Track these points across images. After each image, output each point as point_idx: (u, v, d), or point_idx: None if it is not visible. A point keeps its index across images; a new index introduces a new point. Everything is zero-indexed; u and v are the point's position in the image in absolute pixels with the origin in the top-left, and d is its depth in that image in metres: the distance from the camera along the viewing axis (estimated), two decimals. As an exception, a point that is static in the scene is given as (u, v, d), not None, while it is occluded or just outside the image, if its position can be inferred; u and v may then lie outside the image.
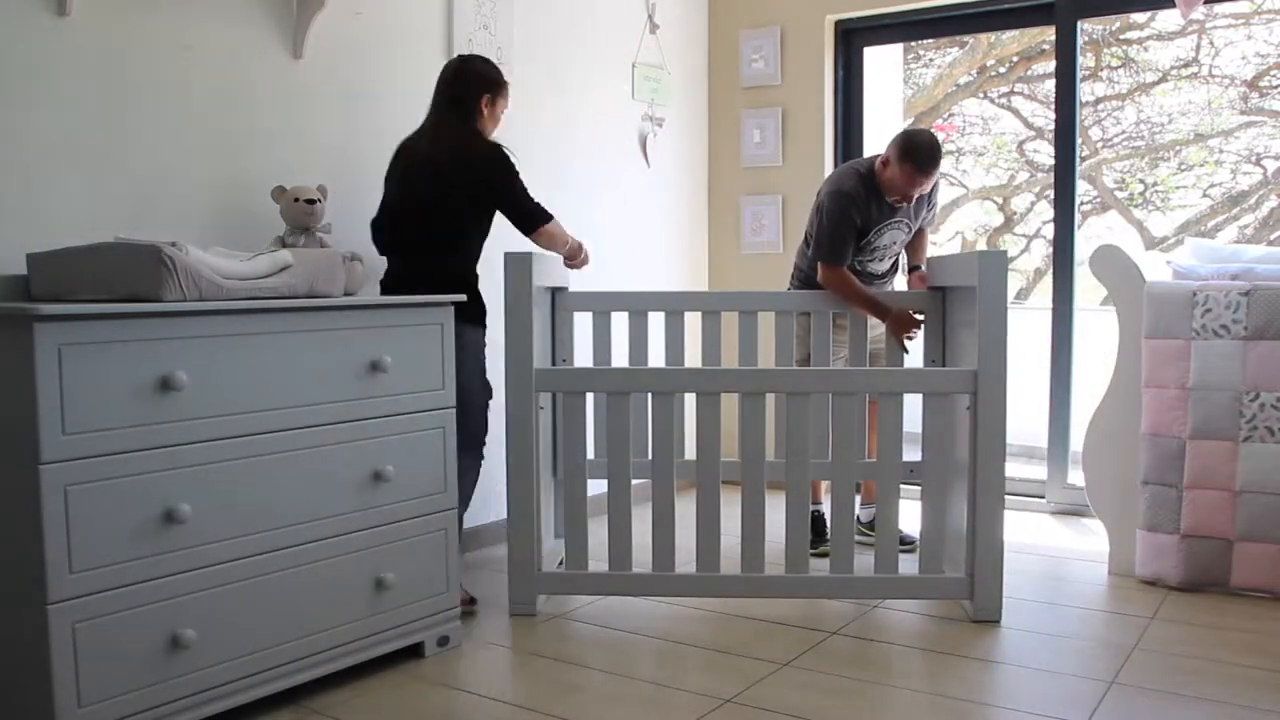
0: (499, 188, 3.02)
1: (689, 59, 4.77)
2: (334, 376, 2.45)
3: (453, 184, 2.98)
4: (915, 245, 3.80)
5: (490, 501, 3.74)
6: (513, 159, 3.02)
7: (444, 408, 2.72)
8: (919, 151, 3.35)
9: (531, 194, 3.07)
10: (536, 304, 3.10)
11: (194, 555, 2.18)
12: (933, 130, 3.45)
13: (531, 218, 3.06)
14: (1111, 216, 8.90)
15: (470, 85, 3.05)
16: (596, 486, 3.48)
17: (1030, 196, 9.23)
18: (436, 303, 2.71)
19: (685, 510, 3.11)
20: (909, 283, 3.80)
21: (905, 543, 3.49)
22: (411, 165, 3.03)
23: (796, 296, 3.74)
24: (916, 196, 3.49)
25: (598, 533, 3.33)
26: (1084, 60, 7.77)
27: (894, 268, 3.81)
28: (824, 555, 3.47)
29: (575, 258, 3.29)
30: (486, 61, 3.15)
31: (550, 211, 3.10)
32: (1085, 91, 8.16)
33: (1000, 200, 9.37)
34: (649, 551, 3.05)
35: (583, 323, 3.84)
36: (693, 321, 4.05)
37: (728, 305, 3.87)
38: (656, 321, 3.80)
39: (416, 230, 2.99)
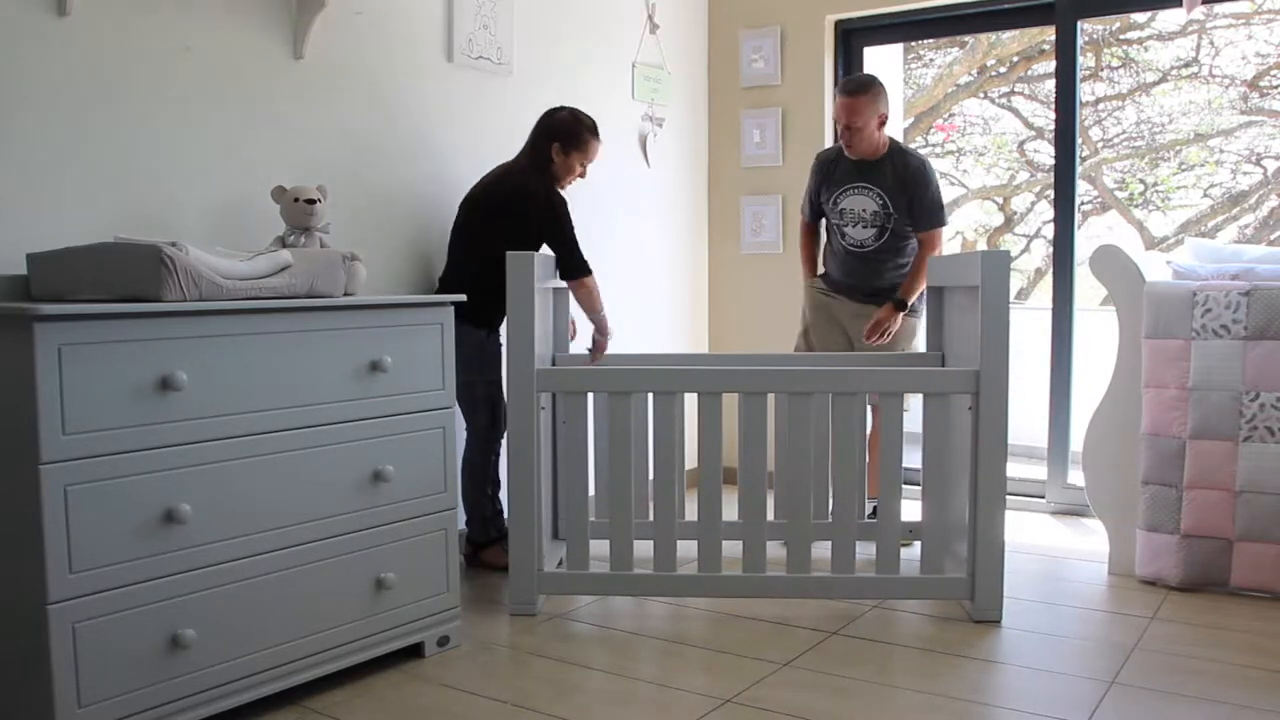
0: (548, 233, 3.32)
1: (689, 59, 4.77)
2: (334, 376, 2.45)
3: (502, 222, 3.29)
4: (912, 265, 3.77)
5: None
6: (563, 207, 3.32)
7: (444, 408, 2.72)
8: (842, 82, 3.72)
9: (579, 245, 3.34)
10: (538, 304, 3.10)
11: (194, 555, 2.18)
12: (871, 75, 3.78)
13: (575, 268, 3.33)
14: (1111, 216, 8.89)
15: (545, 132, 3.40)
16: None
17: (1030, 196, 9.23)
18: (436, 303, 2.71)
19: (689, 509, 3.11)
20: (881, 312, 3.71)
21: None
22: (477, 194, 3.39)
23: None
24: (849, 129, 3.65)
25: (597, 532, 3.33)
26: (1084, 60, 7.77)
27: (882, 245, 3.74)
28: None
29: (603, 334, 3.47)
30: (576, 115, 3.42)
31: (589, 272, 3.35)
32: (1085, 91, 8.16)
33: (1000, 200, 9.37)
34: (649, 551, 3.05)
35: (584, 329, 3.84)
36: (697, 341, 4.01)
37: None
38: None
39: (465, 249, 3.36)
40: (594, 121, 3.46)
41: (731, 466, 4.33)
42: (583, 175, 3.49)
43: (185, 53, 2.78)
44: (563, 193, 3.40)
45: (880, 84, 3.69)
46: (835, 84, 4.65)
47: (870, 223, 3.72)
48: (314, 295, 2.43)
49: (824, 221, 3.94)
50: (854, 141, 3.66)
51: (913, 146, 3.95)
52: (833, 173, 3.79)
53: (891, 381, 3.01)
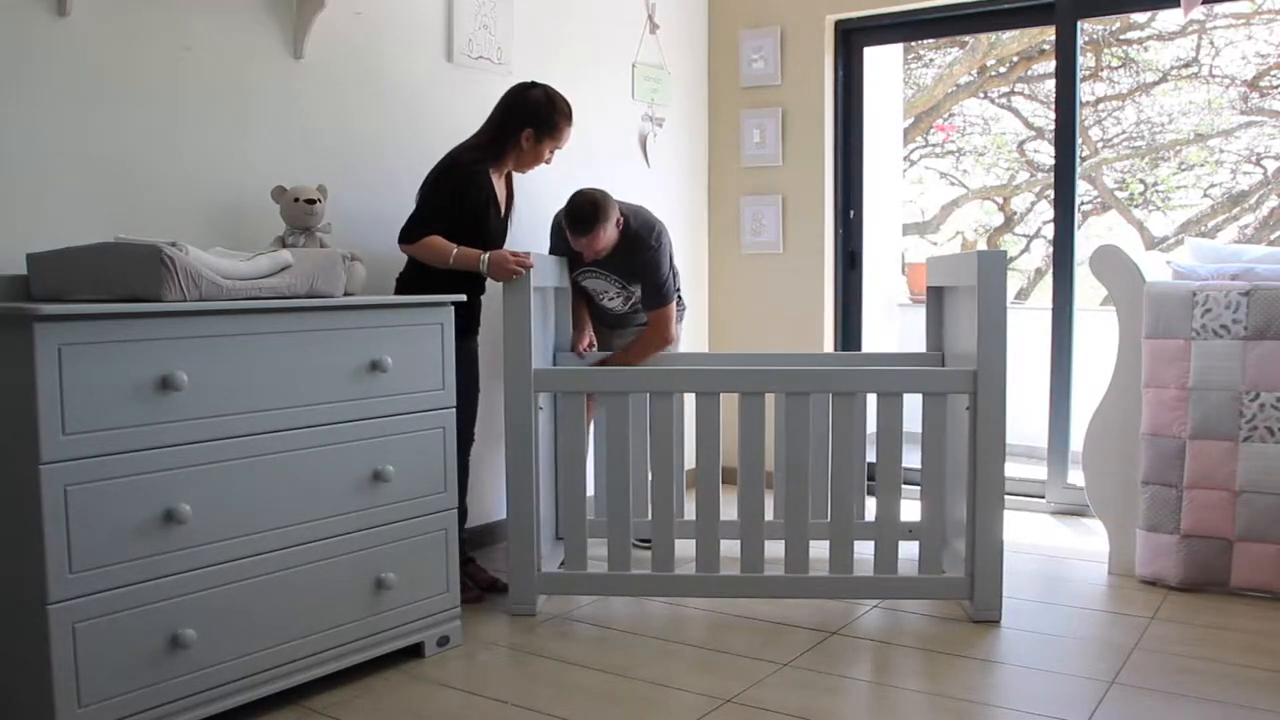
0: (419, 191, 3.08)
1: (689, 59, 4.77)
2: (334, 376, 2.45)
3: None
4: (635, 342, 3.65)
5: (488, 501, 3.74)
6: (443, 179, 3.03)
7: (444, 408, 2.72)
8: (567, 213, 3.32)
9: (423, 216, 3.00)
10: (538, 303, 3.10)
11: (194, 555, 2.18)
12: (593, 197, 3.29)
13: (404, 231, 3.01)
14: (1111, 216, 8.89)
15: (518, 114, 3.10)
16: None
17: (1030, 196, 9.23)
18: (436, 303, 2.71)
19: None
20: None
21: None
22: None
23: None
24: (589, 253, 3.37)
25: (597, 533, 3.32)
26: (1084, 60, 7.78)
27: (632, 308, 3.68)
28: None
29: (507, 269, 2.96)
30: (551, 97, 3.12)
31: (416, 237, 2.97)
32: (1085, 91, 8.16)
33: (1000, 200, 9.37)
34: (648, 551, 3.05)
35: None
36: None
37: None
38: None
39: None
40: (568, 104, 3.16)
41: (730, 466, 4.34)
42: (549, 162, 3.21)
43: (185, 53, 2.78)
44: (471, 173, 3.05)
45: (600, 196, 3.30)
46: (835, 85, 4.66)
47: (615, 295, 3.62)
48: (314, 295, 2.43)
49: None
50: (597, 253, 3.41)
51: (651, 214, 3.60)
52: (568, 249, 3.45)
53: (890, 381, 3.01)
